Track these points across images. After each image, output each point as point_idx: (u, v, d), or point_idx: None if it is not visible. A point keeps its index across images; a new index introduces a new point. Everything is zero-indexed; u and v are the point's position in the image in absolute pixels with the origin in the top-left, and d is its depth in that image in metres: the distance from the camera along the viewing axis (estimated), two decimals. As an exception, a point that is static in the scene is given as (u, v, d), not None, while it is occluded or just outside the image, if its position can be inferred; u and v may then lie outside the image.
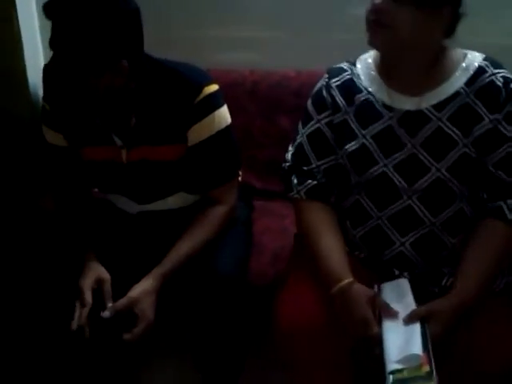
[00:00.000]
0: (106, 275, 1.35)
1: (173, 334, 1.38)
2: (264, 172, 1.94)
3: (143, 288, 1.30)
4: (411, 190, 1.26)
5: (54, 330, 1.38)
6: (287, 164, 1.41)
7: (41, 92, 2.08)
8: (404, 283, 1.25)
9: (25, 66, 2.00)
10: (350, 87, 1.33)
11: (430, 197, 1.26)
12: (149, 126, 1.37)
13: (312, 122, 1.36)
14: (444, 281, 1.27)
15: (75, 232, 1.45)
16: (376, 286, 1.25)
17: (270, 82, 1.99)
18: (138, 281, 1.33)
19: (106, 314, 1.26)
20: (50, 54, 2.07)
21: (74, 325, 1.25)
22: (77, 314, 1.26)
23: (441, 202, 1.27)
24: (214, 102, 1.38)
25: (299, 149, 1.38)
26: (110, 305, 1.29)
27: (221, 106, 1.40)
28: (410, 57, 1.23)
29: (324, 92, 1.35)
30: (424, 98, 1.26)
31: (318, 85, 1.38)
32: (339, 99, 1.33)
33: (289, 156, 1.41)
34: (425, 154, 1.25)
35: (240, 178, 1.57)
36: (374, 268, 1.33)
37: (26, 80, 2.02)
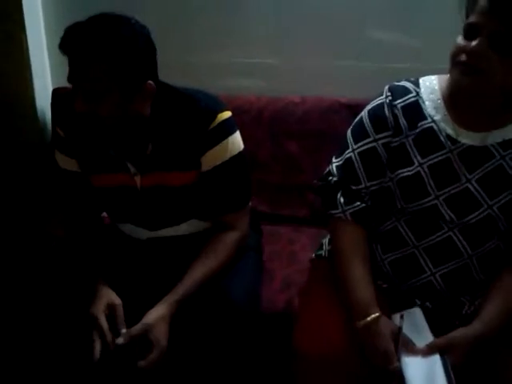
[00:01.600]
0: (117, 300, 1.34)
1: (185, 361, 1.37)
2: (272, 196, 1.95)
3: (157, 314, 1.29)
4: (459, 223, 1.24)
5: (64, 356, 1.37)
6: (334, 179, 1.34)
7: (49, 116, 2.11)
8: (418, 313, 1.25)
9: (33, 90, 2.02)
10: (415, 111, 1.27)
11: (473, 231, 1.24)
12: (163, 152, 1.37)
13: (368, 140, 1.29)
14: (464, 310, 1.27)
15: (85, 258, 1.44)
16: (398, 320, 1.21)
17: (276, 107, 2.01)
18: (148, 307, 1.32)
19: (120, 340, 1.25)
20: (59, 78, 2.10)
21: (97, 354, 1.23)
22: (97, 343, 1.24)
23: (483, 236, 1.25)
24: (227, 129, 1.39)
25: (348, 164, 1.31)
26: (123, 331, 1.27)
27: (234, 132, 1.41)
28: (487, 97, 1.21)
29: (386, 111, 1.28)
30: (490, 134, 1.23)
31: (378, 101, 1.31)
32: (402, 121, 1.27)
33: (334, 169, 1.34)
34: (479, 189, 1.23)
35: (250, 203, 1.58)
36: (395, 297, 1.31)
37: (34, 104, 2.03)
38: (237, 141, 1.42)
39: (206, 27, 2.11)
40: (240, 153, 1.43)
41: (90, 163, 1.43)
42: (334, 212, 1.32)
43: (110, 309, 1.32)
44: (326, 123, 1.92)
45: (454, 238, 1.25)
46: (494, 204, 1.22)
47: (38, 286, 1.44)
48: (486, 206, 1.23)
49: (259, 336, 1.40)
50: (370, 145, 1.29)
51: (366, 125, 1.30)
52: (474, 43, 1.12)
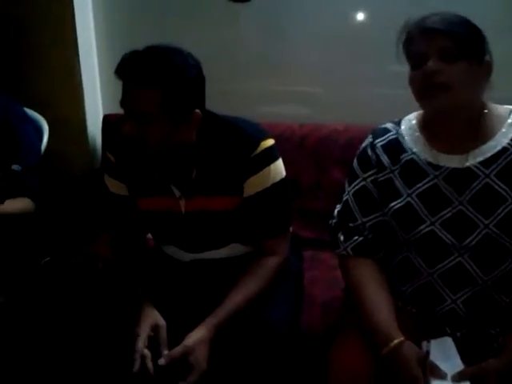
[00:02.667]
0: (162, 322, 1.37)
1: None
2: (315, 223, 1.96)
3: (198, 337, 1.31)
4: (461, 247, 1.25)
5: (111, 375, 1.40)
6: (334, 221, 1.43)
7: (99, 141, 2.19)
8: (449, 342, 1.23)
9: (85, 116, 2.10)
10: (395, 147, 1.34)
11: (482, 254, 1.24)
12: (208, 177, 1.41)
13: (358, 180, 1.38)
14: (496, 344, 1.25)
15: (131, 278, 1.49)
16: (425, 345, 1.22)
17: (320, 135, 2.03)
18: (189, 328, 1.34)
19: (162, 361, 1.27)
20: (109, 105, 2.19)
21: (136, 366, 1.27)
22: (137, 362, 1.28)
23: (493, 259, 1.25)
24: (269, 156, 1.42)
25: (345, 206, 1.39)
26: (165, 352, 1.30)
27: (276, 159, 1.44)
28: (459, 115, 1.24)
29: (369, 151, 1.37)
30: (470, 155, 1.25)
31: (363, 145, 1.41)
32: (384, 158, 1.34)
33: (335, 213, 1.43)
34: (473, 210, 1.24)
35: (291, 229, 1.59)
36: (426, 324, 1.31)
37: (85, 129, 2.12)
38: (279, 168, 1.45)
39: (251, 56, 2.16)
40: (282, 180, 1.45)
41: (138, 187, 1.48)
42: (337, 251, 1.41)
43: (155, 329, 1.35)
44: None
45: (465, 263, 1.25)
46: (490, 222, 1.22)
47: (85, 306, 1.50)
48: (482, 226, 1.23)
49: (298, 361, 1.41)
50: (360, 184, 1.38)
51: (355, 168, 1.40)
52: (428, 64, 1.18)
